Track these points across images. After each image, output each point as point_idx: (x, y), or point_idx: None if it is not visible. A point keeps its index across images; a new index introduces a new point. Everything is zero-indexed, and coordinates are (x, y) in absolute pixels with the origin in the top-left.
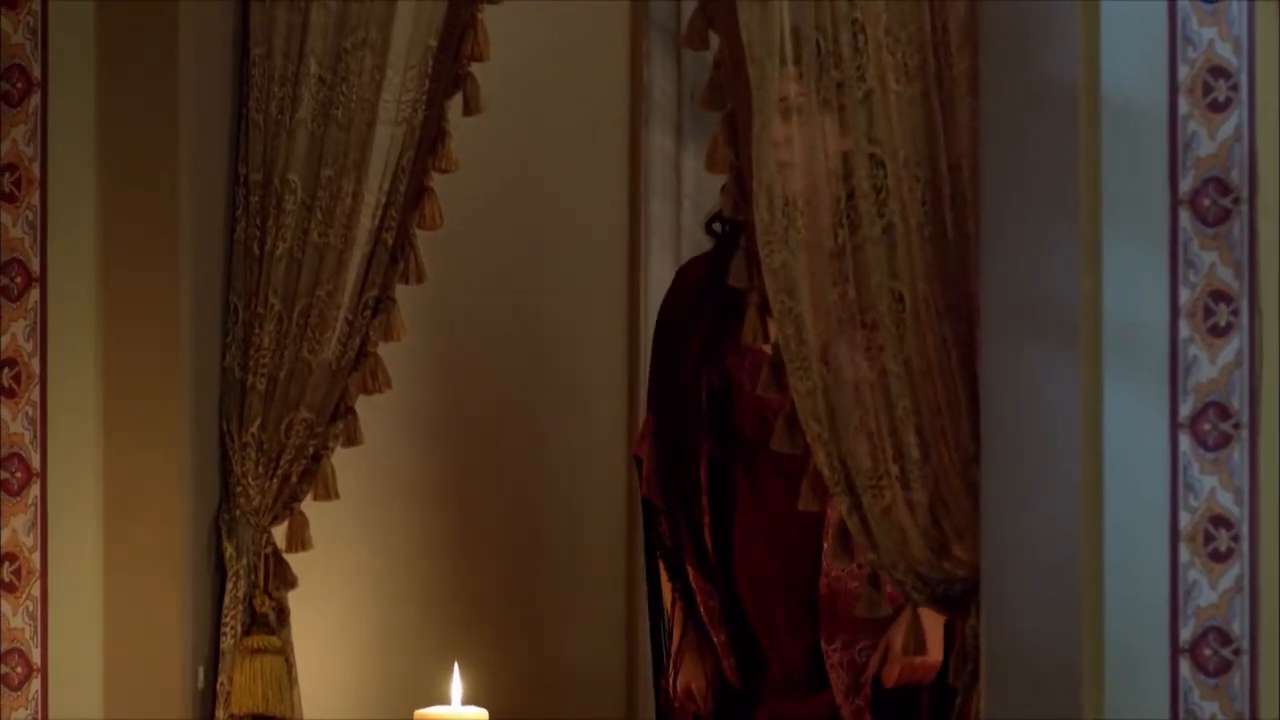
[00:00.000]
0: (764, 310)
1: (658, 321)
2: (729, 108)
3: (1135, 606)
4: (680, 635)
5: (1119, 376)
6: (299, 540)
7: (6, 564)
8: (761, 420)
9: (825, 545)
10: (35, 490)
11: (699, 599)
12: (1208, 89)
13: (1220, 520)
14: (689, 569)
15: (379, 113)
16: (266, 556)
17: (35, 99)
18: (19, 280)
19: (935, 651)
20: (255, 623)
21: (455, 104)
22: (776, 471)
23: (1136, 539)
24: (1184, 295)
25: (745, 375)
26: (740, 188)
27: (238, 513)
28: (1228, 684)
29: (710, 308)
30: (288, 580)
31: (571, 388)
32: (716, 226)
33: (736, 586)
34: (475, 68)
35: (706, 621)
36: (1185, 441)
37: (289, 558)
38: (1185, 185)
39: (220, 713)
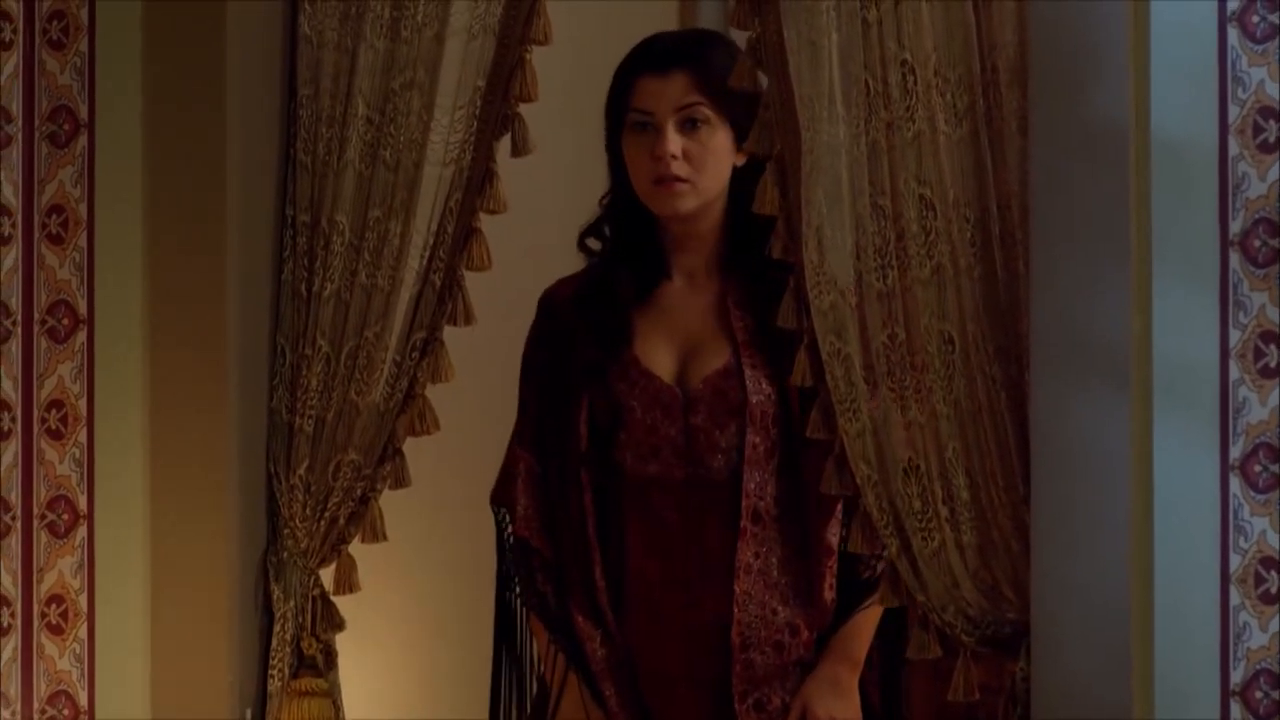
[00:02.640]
0: (814, 353)
1: (525, 351)
2: (778, 149)
3: (1186, 649)
4: (559, 693)
5: (1169, 418)
6: (347, 582)
7: (53, 606)
8: (654, 451)
9: (736, 590)
10: (82, 532)
11: (587, 649)
12: (1258, 129)
13: (1271, 562)
14: (576, 616)
15: (427, 154)
16: (314, 599)
17: (82, 140)
18: (66, 322)
19: None
20: (303, 665)
21: (503, 144)
22: (674, 507)
23: (1187, 581)
24: (1234, 337)
25: (638, 403)
26: (789, 229)
27: (285, 555)
28: None
29: (585, 329)
30: (335, 622)
31: None
32: (591, 243)
33: (627, 637)
34: (523, 108)
35: (595, 674)
36: (1236, 483)
37: (337, 600)
38: (1235, 226)
39: None
